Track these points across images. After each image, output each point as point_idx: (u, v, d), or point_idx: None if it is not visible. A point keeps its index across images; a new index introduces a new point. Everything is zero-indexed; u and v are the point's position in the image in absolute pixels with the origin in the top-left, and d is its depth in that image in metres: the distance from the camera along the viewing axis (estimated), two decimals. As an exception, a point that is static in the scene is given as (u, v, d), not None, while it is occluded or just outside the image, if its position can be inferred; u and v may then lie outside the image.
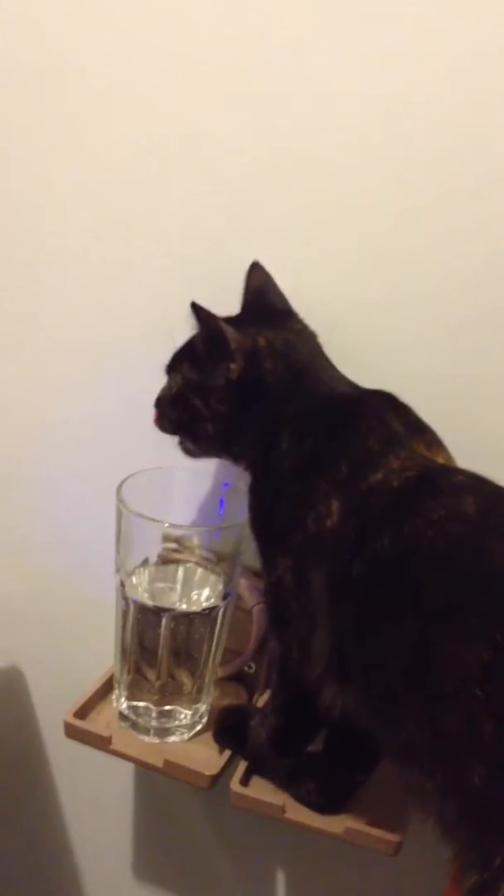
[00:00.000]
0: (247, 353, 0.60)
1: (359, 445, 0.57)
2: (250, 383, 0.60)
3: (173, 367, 0.66)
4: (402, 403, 0.61)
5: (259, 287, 0.66)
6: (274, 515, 0.59)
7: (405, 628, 0.50)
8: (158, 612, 0.66)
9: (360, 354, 0.68)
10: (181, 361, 0.65)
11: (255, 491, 0.62)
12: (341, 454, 0.57)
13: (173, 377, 0.65)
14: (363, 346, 0.68)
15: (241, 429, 0.62)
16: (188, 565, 0.70)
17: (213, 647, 0.69)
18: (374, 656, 0.53)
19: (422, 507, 0.53)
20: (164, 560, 0.70)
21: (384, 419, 0.59)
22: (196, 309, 0.60)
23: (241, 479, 0.71)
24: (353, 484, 0.56)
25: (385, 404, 0.60)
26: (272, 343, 0.62)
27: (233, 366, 0.60)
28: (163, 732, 0.69)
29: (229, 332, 0.60)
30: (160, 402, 0.66)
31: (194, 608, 0.68)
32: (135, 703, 0.69)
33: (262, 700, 0.74)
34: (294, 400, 0.60)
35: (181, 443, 0.67)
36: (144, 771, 0.73)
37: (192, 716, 0.70)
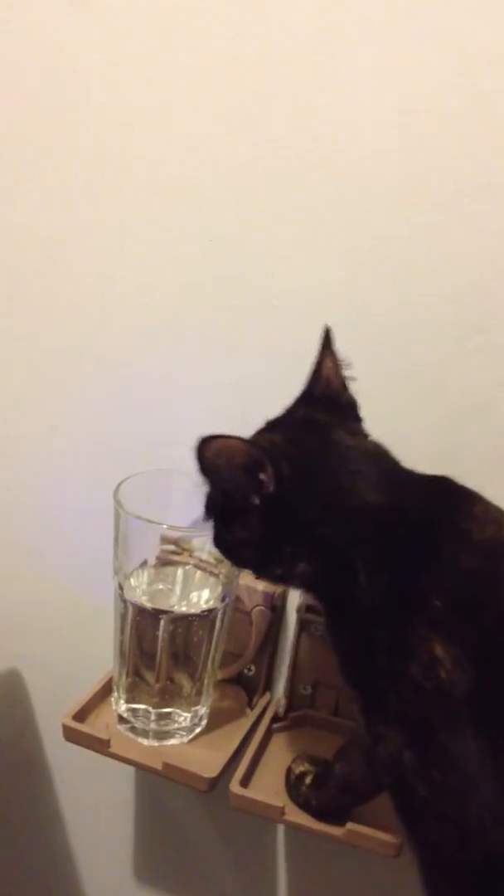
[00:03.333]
0: (268, 458, 0.51)
1: (450, 572, 0.48)
2: (280, 499, 0.52)
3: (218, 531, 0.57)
4: (465, 494, 0.54)
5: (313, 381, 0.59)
6: (368, 670, 0.50)
7: None
8: (157, 614, 0.66)
9: (367, 353, 0.68)
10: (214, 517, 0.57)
11: (335, 634, 0.54)
12: (431, 588, 0.48)
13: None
14: (367, 348, 0.68)
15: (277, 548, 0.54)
16: (187, 567, 0.70)
17: (213, 650, 0.69)
18: None
19: None
20: (163, 562, 0.70)
21: (463, 531, 0.51)
22: (199, 451, 0.51)
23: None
24: (465, 617, 0.47)
25: (453, 508, 0.52)
26: (277, 444, 0.53)
27: (264, 476, 0.51)
28: (162, 735, 0.69)
29: (240, 443, 0.52)
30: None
31: (193, 610, 0.68)
32: (134, 705, 0.69)
33: (260, 703, 0.74)
34: (332, 518, 0.52)
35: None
36: (144, 773, 0.73)
37: (192, 718, 0.70)
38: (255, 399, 0.73)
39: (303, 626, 0.72)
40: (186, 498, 0.72)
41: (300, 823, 0.62)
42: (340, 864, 0.82)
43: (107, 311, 0.78)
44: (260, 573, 0.59)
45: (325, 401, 0.58)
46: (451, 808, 0.45)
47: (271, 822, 0.82)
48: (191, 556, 0.69)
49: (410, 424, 0.68)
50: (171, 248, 0.74)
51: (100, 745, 0.67)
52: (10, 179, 0.77)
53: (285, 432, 0.56)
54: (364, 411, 0.68)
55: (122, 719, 0.70)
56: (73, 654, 0.88)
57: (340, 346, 0.62)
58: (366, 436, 0.58)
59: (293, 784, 0.65)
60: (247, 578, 0.72)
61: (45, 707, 0.95)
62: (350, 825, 0.60)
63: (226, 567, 0.68)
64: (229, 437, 0.51)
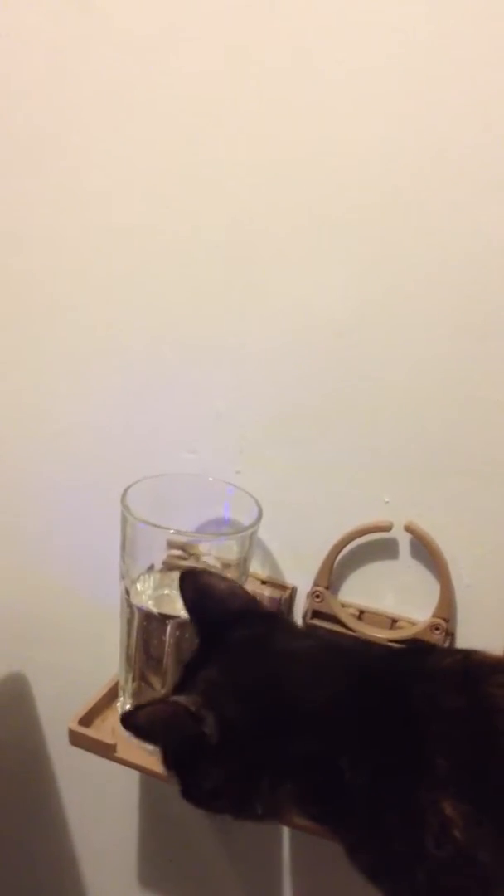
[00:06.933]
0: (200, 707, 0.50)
1: (438, 727, 0.46)
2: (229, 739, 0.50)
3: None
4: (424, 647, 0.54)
5: (196, 599, 0.59)
6: (375, 852, 0.49)
7: None
8: (163, 619, 0.66)
9: (366, 360, 0.68)
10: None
11: (338, 835, 0.53)
12: (425, 750, 0.46)
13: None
14: (369, 351, 0.68)
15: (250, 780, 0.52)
16: (193, 572, 0.70)
17: (218, 655, 0.69)
18: None
19: None
20: (170, 567, 0.70)
21: (430, 676, 0.50)
22: (127, 722, 0.51)
23: (245, 484, 0.71)
24: (470, 771, 0.45)
25: (414, 664, 0.52)
26: (214, 684, 0.52)
27: (207, 730, 0.50)
28: (168, 740, 0.69)
29: (166, 709, 0.51)
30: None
31: (199, 615, 0.68)
32: (140, 710, 0.69)
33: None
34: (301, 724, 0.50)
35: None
36: (149, 778, 0.73)
37: (197, 723, 0.70)
38: (259, 402, 0.73)
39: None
40: (193, 502, 0.72)
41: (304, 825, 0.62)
42: (345, 869, 0.82)
43: (111, 315, 0.78)
44: (240, 816, 0.55)
45: (249, 612, 0.58)
46: None
47: (276, 828, 0.82)
48: (197, 560, 0.69)
49: (419, 422, 0.68)
50: (176, 251, 0.74)
51: (106, 750, 0.67)
52: (13, 181, 0.78)
53: (221, 662, 0.54)
54: (370, 410, 0.68)
55: (127, 724, 0.70)
56: (78, 659, 0.88)
57: (343, 342, 0.62)
58: (306, 631, 0.57)
59: None
60: (252, 584, 0.72)
61: (50, 711, 0.95)
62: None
63: (232, 573, 0.68)
64: (153, 703, 0.52)
